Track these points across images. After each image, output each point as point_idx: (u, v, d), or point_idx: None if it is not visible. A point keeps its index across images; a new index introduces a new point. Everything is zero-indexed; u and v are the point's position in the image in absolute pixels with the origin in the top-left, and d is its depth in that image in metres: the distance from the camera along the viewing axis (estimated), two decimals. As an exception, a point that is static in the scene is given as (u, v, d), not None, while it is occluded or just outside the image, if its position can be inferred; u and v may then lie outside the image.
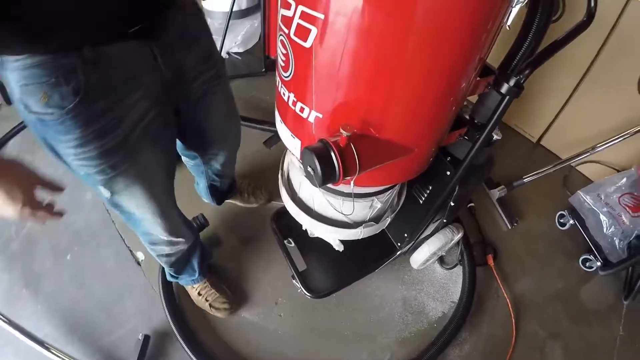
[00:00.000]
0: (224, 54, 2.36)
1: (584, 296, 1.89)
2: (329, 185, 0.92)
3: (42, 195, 0.79)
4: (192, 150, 1.35)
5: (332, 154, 0.75)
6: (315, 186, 0.80)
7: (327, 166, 0.75)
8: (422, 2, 0.63)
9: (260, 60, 2.53)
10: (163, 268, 1.62)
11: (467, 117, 1.11)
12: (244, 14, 2.31)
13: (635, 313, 1.84)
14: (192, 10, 0.97)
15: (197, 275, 1.56)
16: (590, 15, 0.92)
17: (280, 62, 0.85)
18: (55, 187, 0.80)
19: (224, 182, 1.67)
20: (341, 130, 0.72)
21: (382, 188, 1.10)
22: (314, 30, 0.70)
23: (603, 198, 1.89)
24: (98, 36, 0.72)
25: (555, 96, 2.29)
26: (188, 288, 1.67)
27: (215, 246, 1.84)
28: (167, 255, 1.34)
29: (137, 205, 1.03)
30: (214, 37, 2.34)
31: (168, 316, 1.59)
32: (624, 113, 2.08)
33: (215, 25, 2.34)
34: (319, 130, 0.85)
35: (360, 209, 1.14)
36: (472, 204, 2.05)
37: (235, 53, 2.57)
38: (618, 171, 2.22)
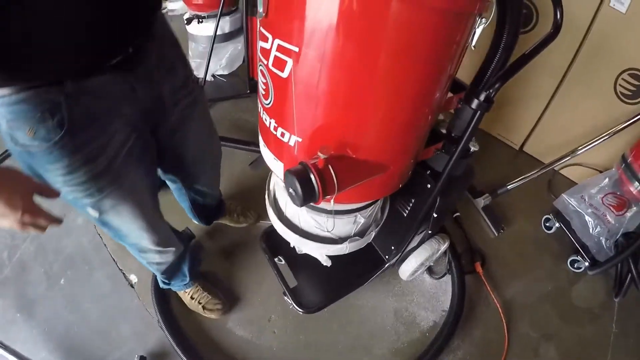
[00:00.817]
0: (209, 77, 2.39)
1: (574, 296, 1.93)
2: (312, 204, 0.96)
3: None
4: (171, 174, 1.37)
5: (312, 176, 0.78)
6: (298, 206, 0.83)
7: (307, 187, 0.79)
8: (387, 31, 0.67)
9: (245, 82, 2.57)
10: (156, 281, 1.66)
11: (444, 131, 1.14)
12: (228, 37, 2.35)
13: (627, 309, 1.88)
14: (169, 39, 1.00)
15: (187, 280, 1.60)
16: (557, 27, 0.96)
17: (261, 90, 0.89)
18: (51, 192, 0.82)
19: (208, 202, 1.69)
20: (318, 153, 0.76)
21: (364, 204, 1.13)
22: (289, 62, 0.74)
23: (587, 199, 1.93)
24: (78, 71, 0.76)
25: (535, 103, 2.35)
26: (180, 293, 1.70)
27: (207, 267, 1.85)
28: (158, 263, 1.38)
29: (124, 222, 1.07)
30: (198, 60, 2.39)
31: (166, 332, 1.63)
32: (603, 114, 2.15)
33: (199, 49, 2.40)
34: (300, 153, 0.89)
35: (344, 225, 1.17)
36: (458, 214, 2.09)
37: (220, 75, 2.62)
38: (600, 172, 2.28)
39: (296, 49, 0.72)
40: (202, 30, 2.29)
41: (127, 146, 0.92)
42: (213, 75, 2.57)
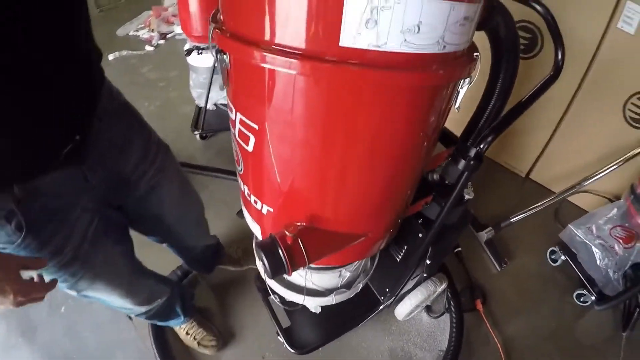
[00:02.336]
0: (210, 106, 2.39)
1: (579, 332, 1.86)
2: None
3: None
4: (154, 236, 1.35)
5: (279, 250, 0.76)
6: (269, 278, 0.81)
7: (275, 261, 0.77)
8: (352, 115, 0.63)
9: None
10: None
11: (437, 176, 1.10)
12: (228, 67, 2.34)
13: (634, 343, 1.80)
14: (117, 110, 0.93)
15: (182, 318, 1.59)
16: (558, 69, 0.91)
17: (234, 156, 0.87)
18: (38, 265, 0.80)
19: (202, 254, 1.67)
20: (285, 231, 0.74)
21: (347, 261, 1.11)
22: (252, 138, 0.72)
23: (594, 230, 1.87)
24: (24, 175, 0.74)
25: (541, 129, 2.30)
26: (176, 328, 1.70)
27: (203, 302, 1.84)
28: (145, 312, 1.36)
29: (103, 295, 1.07)
30: (199, 90, 2.38)
31: None
32: (612, 140, 2.10)
33: (200, 79, 2.40)
34: (272, 221, 0.87)
35: (329, 279, 1.15)
36: (459, 249, 2.03)
37: (222, 104, 2.60)
38: (610, 199, 2.21)
39: (256, 127, 0.69)
40: (203, 61, 2.29)
41: (91, 230, 0.90)
42: (215, 105, 2.57)
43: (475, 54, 0.67)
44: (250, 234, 1.96)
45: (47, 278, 0.86)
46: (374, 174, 0.75)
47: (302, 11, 0.52)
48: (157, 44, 4.03)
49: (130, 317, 1.81)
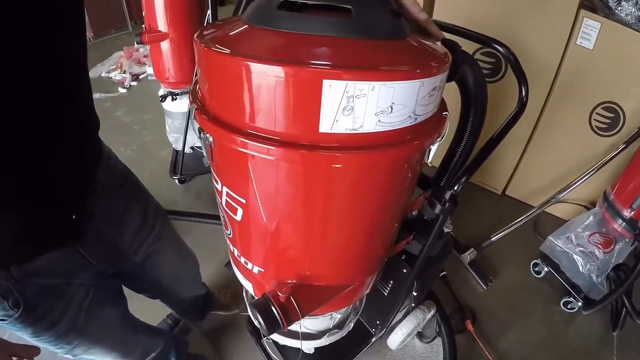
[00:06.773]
0: (187, 150, 2.39)
1: (571, 337, 1.91)
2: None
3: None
4: (149, 294, 1.34)
5: (273, 309, 0.79)
6: (265, 335, 0.84)
7: (270, 320, 0.79)
8: (338, 191, 0.67)
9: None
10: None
11: (416, 212, 1.13)
12: (203, 112, 2.34)
13: (626, 340, 1.87)
14: (115, 183, 0.92)
15: None
16: (522, 105, 0.94)
17: (222, 219, 0.90)
18: (30, 354, 0.80)
19: (194, 304, 1.66)
20: (277, 292, 0.77)
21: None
22: (240, 210, 0.75)
23: (574, 239, 1.94)
24: (20, 257, 0.74)
25: (513, 148, 2.39)
26: None
27: (197, 349, 1.80)
28: None
29: (98, 356, 1.06)
30: (175, 135, 2.37)
31: None
32: (582, 150, 2.20)
33: (176, 124, 2.40)
34: (264, 281, 0.89)
35: (321, 322, 1.17)
36: (444, 273, 2.07)
37: (198, 147, 2.57)
38: (585, 206, 2.30)
39: (244, 201, 0.72)
40: (177, 106, 2.29)
41: (87, 301, 0.91)
42: (192, 148, 2.56)
43: (444, 113, 0.72)
44: (237, 279, 1.96)
45: (44, 345, 0.87)
46: (359, 235, 0.79)
47: (284, 105, 0.55)
48: (130, 85, 4.03)
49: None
